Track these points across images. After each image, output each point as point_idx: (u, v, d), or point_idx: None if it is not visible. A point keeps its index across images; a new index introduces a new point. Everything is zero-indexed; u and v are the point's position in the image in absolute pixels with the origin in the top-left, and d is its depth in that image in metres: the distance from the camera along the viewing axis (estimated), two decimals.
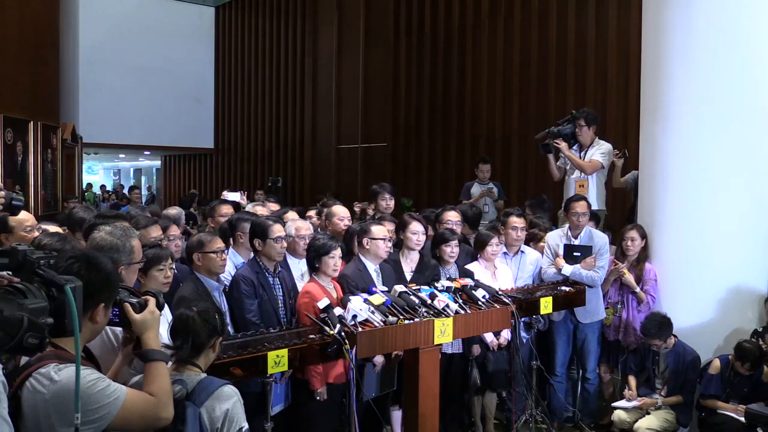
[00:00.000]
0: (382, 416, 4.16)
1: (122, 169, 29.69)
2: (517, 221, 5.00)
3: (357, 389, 3.49)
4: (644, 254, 5.03)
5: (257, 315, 3.82)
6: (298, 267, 4.35)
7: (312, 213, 5.90)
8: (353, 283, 4.05)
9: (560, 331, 5.09)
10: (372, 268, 4.28)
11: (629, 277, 4.96)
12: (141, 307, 2.15)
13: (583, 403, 5.19)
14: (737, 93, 4.65)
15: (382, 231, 4.30)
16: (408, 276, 4.42)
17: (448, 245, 4.58)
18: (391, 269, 4.39)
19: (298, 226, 4.44)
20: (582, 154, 5.96)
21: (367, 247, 4.27)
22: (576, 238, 4.99)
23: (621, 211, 6.78)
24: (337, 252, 3.97)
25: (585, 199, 5.14)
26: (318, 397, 3.89)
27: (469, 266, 4.69)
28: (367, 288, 3.85)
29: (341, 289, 4.06)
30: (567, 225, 5.13)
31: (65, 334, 1.71)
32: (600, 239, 4.98)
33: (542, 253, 5.15)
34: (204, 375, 2.41)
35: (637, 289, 4.94)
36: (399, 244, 4.68)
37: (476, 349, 4.69)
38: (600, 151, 5.84)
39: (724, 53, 4.64)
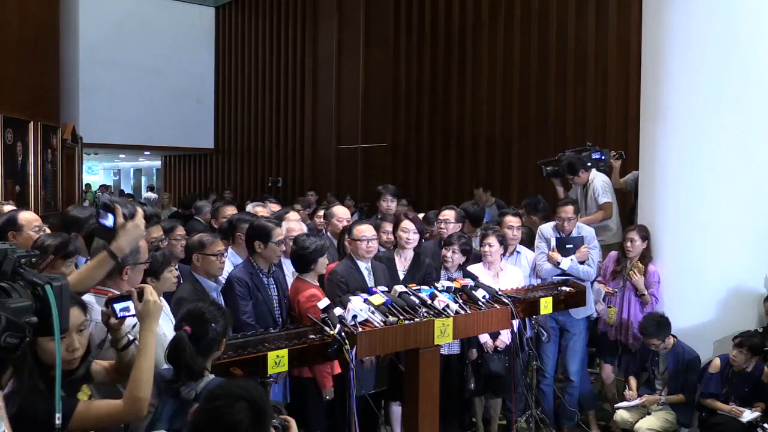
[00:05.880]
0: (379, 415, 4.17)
1: (122, 169, 29.67)
2: (512, 220, 5.00)
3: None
4: (647, 256, 4.97)
5: (252, 316, 3.83)
6: (287, 265, 4.39)
7: (320, 213, 5.93)
8: (343, 279, 4.11)
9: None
10: (363, 266, 4.31)
11: (639, 279, 4.91)
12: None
13: (564, 405, 5.06)
14: (737, 93, 4.64)
15: (361, 231, 4.31)
16: (401, 275, 4.45)
17: (448, 249, 4.59)
18: (384, 268, 4.42)
19: (290, 227, 4.50)
20: (582, 189, 6.00)
21: (350, 247, 4.36)
22: (563, 230, 4.99)
23: (621, 212, 6.77)
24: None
25: (572, 203, 5.13)
26: (327, 396, 3.91)
27: (472, 268, 4.67)
28: (357, 285, 3.89)
29: (331, 284, 4.16)
30: None
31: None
32: (588, 232, 4.99)
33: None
34: (212, 376, 2.42)
35: (646, 292, 4.89)
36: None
37: (473, 354, 4.65)
38: (602, 194, 5.81)
39: (724, 53, 4.64)
